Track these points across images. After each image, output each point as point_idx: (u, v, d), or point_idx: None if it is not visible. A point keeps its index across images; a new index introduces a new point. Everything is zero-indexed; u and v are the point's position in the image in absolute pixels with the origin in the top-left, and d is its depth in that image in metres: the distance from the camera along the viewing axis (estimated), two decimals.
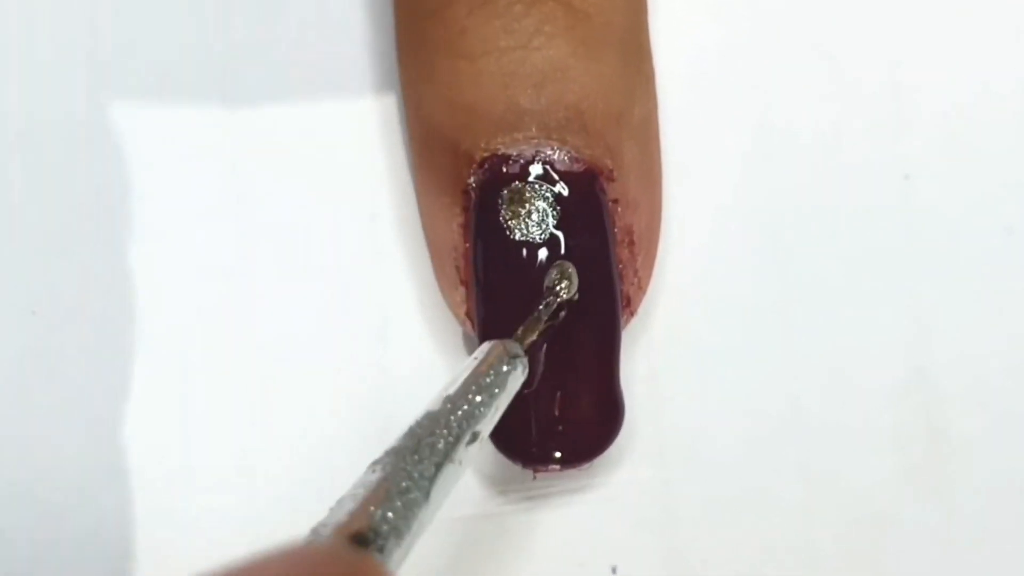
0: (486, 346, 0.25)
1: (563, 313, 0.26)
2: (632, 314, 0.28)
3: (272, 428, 0.29)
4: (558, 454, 0.27)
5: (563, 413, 0.27)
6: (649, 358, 0.30)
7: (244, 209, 0.30)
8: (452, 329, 0.29)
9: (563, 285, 0.26)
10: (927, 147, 0.30)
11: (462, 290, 0.27)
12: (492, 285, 0.27)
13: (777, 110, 0.30)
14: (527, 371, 0.25)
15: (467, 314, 0.27)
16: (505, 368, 0.24)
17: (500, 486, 0.29)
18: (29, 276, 0.29)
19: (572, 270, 0.26)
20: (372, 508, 0.20)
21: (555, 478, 0.29)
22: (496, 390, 0.23)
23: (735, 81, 0.31)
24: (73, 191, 0.30)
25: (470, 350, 0.29)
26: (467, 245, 0.27)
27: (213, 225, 0.30)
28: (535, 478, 0.28)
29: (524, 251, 0.27)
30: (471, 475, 0.29)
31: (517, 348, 0.25)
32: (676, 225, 0.30)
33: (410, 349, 0.30)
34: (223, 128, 0.30)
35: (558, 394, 0.27)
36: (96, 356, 0.29)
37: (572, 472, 0.27)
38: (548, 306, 0.26)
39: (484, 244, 0.27)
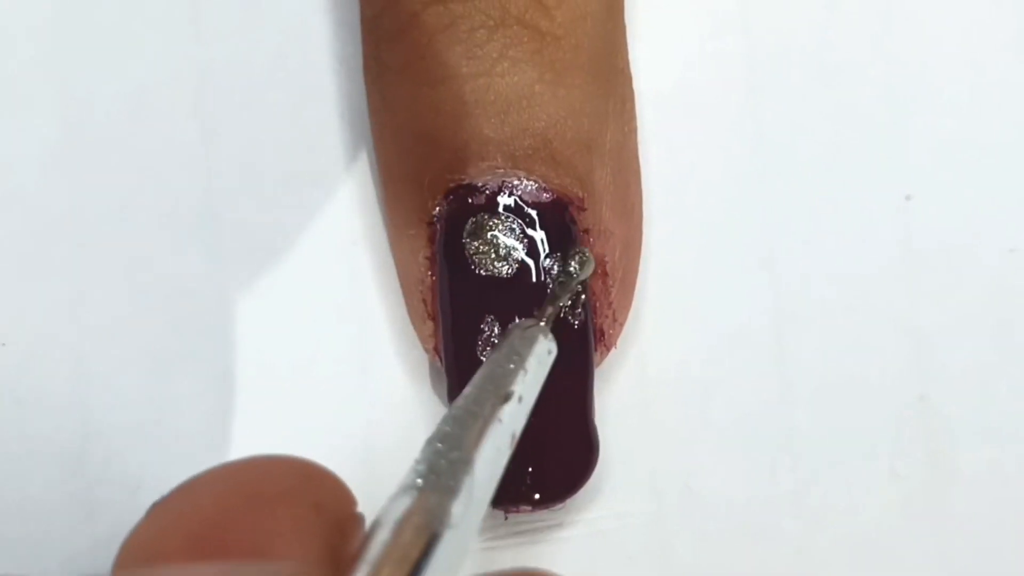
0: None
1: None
2: (608, 348, 0.27)
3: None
4: (530, 495, 0.26)
5: (534, 452, 0.26)
6: (640, 388, 0.29)
7: (219, 231, 0.29)
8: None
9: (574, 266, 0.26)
10: (929, 167, 0.29)
11: (430, 324, 0.27)
12: (458, 320, 0.26)
13: (770, 130, 0.29)
14: (553, 341, 0.25)
15: (435, 349, 0.27)
16: (524, 333, 0.24)
17: (487, 520, 0.28)
18: None
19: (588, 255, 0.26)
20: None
21: (532, 515, 0.28)
22: (520, 354, 0.24)
23: (724, 100, 0.29)
24: (43, 217, 0.29)
25: (437, 383, 0.28)
26: (433, 278, 0.26)
27: (188, 250, 0.29)
28: (506, 519, 0.27)
29: (490, 286, 0.26)
30: None
31: (529, 320, 0.25)
32: (661, 250, 0.29)
33: (388, 377, 0.29)
34: (197, 152, 0.29)
35: (528, 433, 0.25)
36: (67, 386, 0.29)
37: (543, 513, 0.27)
38: (563, 285, 0.26)
39: (449, 278, 0.26)
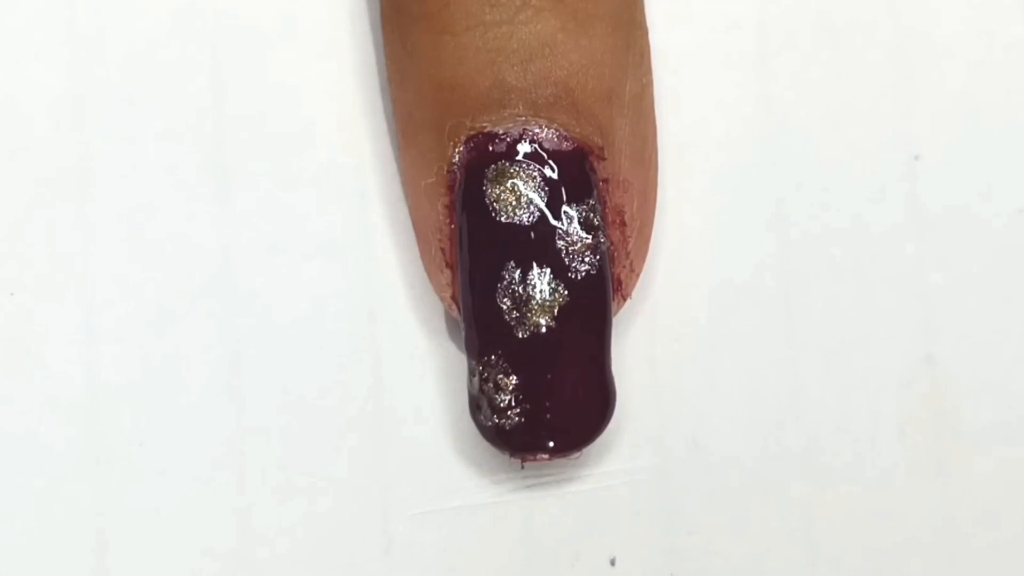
0: None
1: None
2: (624, 298, 0.27)
3: (254, 412, 0.29)
4: (547, 443, 0.26)
5: (552, 400, 0.26)
6: (648, 343, 0.29)
7: (228, 182, 0.29)
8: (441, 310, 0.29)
9: None
10: (937, 126, 0.29)
11: (447, 273, 0.27)
12: (478, 268, 0.26)
13: (780, 86, 0.30)
14: None
15: (453, 298, 0.27)
16: None
17: (492, 476, 0.28)
18: (6, 258, 0.29)
19: None
20: None
21: (544, 467, 0.28)
22: None
23: (735, 56, 0.30)
24: (50, 167, 0.29)
25: (454, 333, 0.28)
26: (452, 226, 0.26)
27: (196, 202, 0.29)
28: (523, 467, 0.27)
29: (510, 233, 0.26)
30: (462, 464, 0.28)
31: None
32: (672, 205, 0.29)
33: (401, 329, 0.29)
34: (207, 103, 0.29)
35: (547, 380, 0.26)
36: (75, 339, 0.29)
37: (561, 461, 0.27)
38: None
39: (469, 225, 0.26)
